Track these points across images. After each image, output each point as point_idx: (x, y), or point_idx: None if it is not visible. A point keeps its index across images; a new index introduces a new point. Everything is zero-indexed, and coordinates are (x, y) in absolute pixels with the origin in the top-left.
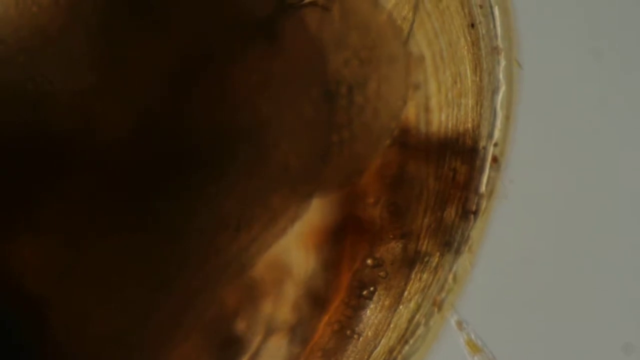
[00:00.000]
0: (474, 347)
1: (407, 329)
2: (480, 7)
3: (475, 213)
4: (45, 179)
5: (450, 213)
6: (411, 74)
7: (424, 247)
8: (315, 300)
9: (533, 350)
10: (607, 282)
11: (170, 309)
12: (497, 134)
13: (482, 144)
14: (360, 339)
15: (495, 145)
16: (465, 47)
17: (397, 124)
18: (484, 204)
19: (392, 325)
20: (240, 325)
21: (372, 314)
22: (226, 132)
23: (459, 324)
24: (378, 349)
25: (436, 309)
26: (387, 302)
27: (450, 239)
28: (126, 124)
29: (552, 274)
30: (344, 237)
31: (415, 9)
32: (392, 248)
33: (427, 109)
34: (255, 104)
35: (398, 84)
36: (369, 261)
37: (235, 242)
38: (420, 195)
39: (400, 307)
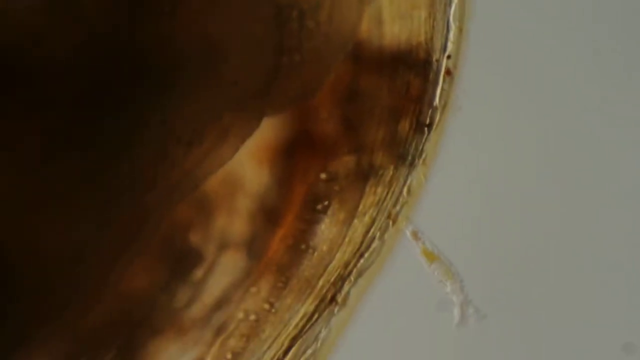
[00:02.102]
0: (430, 256)
1: (362, 242)
2: None
3: (429, 125)
4: None
5: (404, 126)
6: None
7: (377, 161)
8: (269, 214)
9: (488, 257)
10: (607, 282)
11: (123, 224)
12: (450, 47)
13: (435, 56)
14: (315, 253)
15: (449, 57)
16: None
17: (348, 48)
18: (437, 116)
19: (347, 239)
20: (195, 239)
21: (326, 228)
22: (174, 47)
23: (415, 234)
24: (333, 263)
25: (391, 222)
26: (341, 216)
27: (404, 152)
28: (74, 40)
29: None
30: (296, 152)
31: None
32: (346, 162)
33: (379, 22)
34: (205, 20)
35: (351, 10)
36: (323, 175)
37: (187, 156)
38: (374, 108)
39: (355, 220)
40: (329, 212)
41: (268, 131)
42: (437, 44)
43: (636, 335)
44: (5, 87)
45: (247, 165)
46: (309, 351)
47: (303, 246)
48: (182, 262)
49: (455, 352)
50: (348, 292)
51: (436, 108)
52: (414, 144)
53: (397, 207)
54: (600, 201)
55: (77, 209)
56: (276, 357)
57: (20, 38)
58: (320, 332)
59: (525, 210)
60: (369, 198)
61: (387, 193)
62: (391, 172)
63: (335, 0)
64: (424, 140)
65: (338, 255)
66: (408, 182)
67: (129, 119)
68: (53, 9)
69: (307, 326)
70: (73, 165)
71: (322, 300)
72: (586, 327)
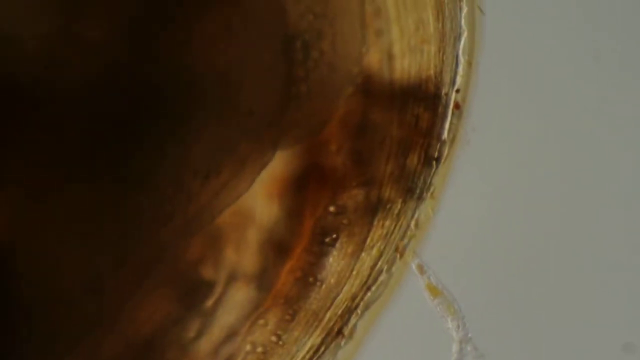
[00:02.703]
0: (434, 291)
1: (369, 275)
2: None
3: (438, 159)
4: (6, 129)
5: (413, 160)
6: (367, 26)
7: (386, 194)
8: (278, 247)
9: (492, 294)
10: (607, 282)
11: (140, 258)
12: (459, 81)
13: (444, 90)
14: (323, 286)
15: (458, 91)
16: None
17: (358, 74)
18: (446, 150)
19: (354, 272)
20: (205, 272)
21: (334, 261)
22: (190, 78)
23: (420, 267)
24: (340, 295)
25: (398, 255)
26: (349, 249)
27: (412, 186)
28: (91, 72)
29: (514, 221)
30: (306, 185)
31: None
32: (354, 195)
33: (390, 56)
34: (218, 49)
35: (353, 38)
36: (332, 208)
37: (205, 189)
38: (383, 142)
39: (363, 254)
40: (337, 245)
41: (278, 164)
42: (447, 78)
43: (636, 335)
44: (20, 121)
45: (258, 197)
46: None
47: (311, 279)
48: (193, 293)
49: None
50: (355, 325)
51: (445, 142)
52: (422, 178)
53: (405, 241)
54: (599, 201)
55: (96, 241)
56: None
57: (34, 66)
58: None
59: (532, 249)
60: (377, 231)
61: (395, 226)
62: (399, 206)
63: (338, 29)
64: (432, 173)
65: (345, 288)
66: (416, 215)
67: (147, 152)
68: (68, 39)
69: (314, 359)
70: (93, 196)
71: (329, 333)
72: (586, 327)
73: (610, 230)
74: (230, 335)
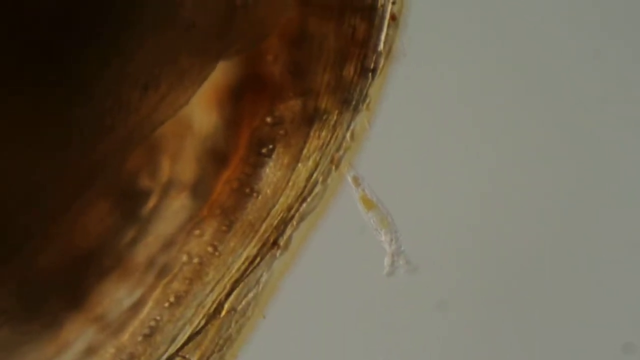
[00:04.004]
0: (368, 203)
1: (305, 186)
2: None
3: (374, 71)
4: None
5: (349, 71)
6: None
7: (323, 105)
8: (215, 157)
9: (425, 207)
10: (607, 282)
11: (80, 168)
12: None
13: (380, 1)
14: (259, 197)
15: (394, 3)
16: None
17: None
18: (382, 61)
19: (290, 183)
20: (143, 181)
21: (270, 172)
22: None
23: (355, 180)
24: (276, 207)
25: (334, 167)
26: (285, 160)
27: (348, 97)
28: None
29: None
30: (244, 96)
31: None
32: (291, 106)
33: None
34: None
35: None
36: (269, 119)
37: (144, 101)
38: (320, 53)
39: (299, 165)
40: (274, 156)
41: (218, 74)
42: None
43: (636, 335)
44: None
45: (196, 107)
46: (251, 294)
47: (247, 190)
48: (130, 202)
49: (381, 301)
50: (290, 236)
51: (381, 53)
52: (358, 89)
53: (341, 152)
54: (599, 201)
55: (35, 152)
56: (218, 300)
57: None
58: (262, 275)
59: (469, 159)
60: (313, 142)
61: (331, 138)
62: (336, 117)
63: None
64: (368, 85)
65: (281, 199)
66: (352, 127)
67: (88, 61)
68: None
69: (250, 270)
70: (31, 108)
71: (264, 244)
72: (586, 327)
73: (610, 230)
74: (167, 245)
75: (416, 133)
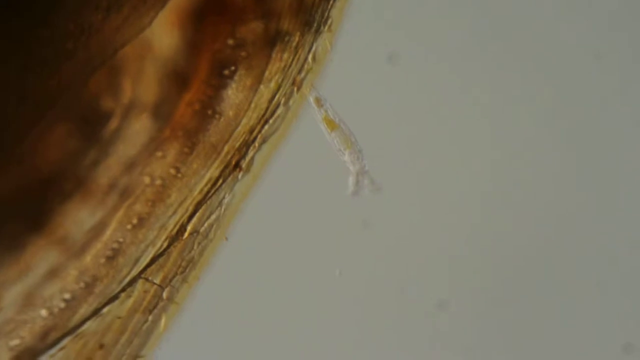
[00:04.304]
0: (331, 124)
1: (267, 108)
2: None
3: None
4: None
5: None
6: None
7: (285, 27)
8: (177, 79)
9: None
10: (607, 282)
11: (42, 92)
12: None
13: None
14: (222, 118)
15: None
16: None
17: None
18: None
19: (252, 105)
20: (104, 103)
21: (232, 94)
22: None
23: (318, 100)
24: (239, 128)
25: (296, 89)
26: (248, 82)
27: (310, 19)
28: None
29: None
30: (206, 17)
31: None
32: (253, 28)
33: None
34: None
35: None
36: (230, 41)
37: (106, 24)
38: None
39: (261, 86)
40: (236, 77)
41: None
42: None
43: (636, 335)
44: None
45: (158, 29)
46: (213, 216)
47: (209, 111)
48: (92, 124)
49: (346, 220)
50: (252, 158)
51: None
52: (320, 10)
53: (302, 74)
54: (599, 201)
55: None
56: (180, 222)
57: None
58: (224, 197)
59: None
60: (275, 64)
61: (293, 59)
62: (297, 38)
63: None
64: (330, 6)
65: (244, 121)
66: (314, 48)
67: None
68: None
69: (212, 191)
70: None
71: (227, 166)
72: (586, 327)
73: (610, 230)
74: (129, 166)
75: (378, 53)
